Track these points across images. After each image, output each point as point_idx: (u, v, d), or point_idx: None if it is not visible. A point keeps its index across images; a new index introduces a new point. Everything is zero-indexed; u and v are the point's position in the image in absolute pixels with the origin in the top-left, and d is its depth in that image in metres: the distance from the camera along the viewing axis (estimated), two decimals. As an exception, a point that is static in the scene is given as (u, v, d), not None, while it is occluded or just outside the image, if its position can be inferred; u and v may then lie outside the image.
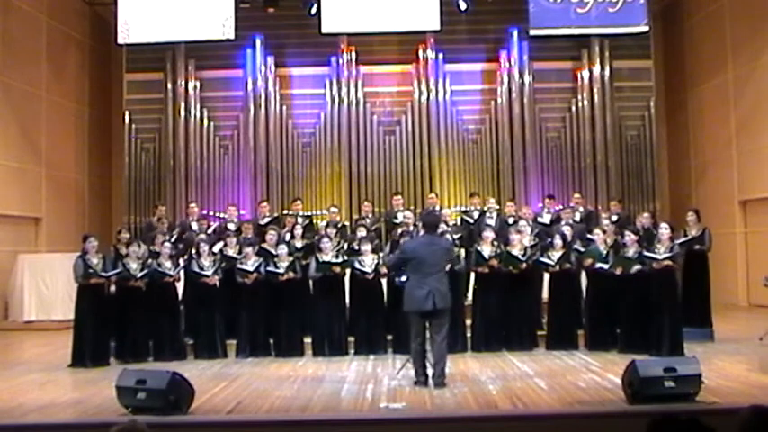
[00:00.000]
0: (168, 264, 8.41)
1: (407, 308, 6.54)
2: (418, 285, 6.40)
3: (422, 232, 7.07)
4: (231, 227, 9.92)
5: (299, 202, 10.82)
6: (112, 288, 8.26)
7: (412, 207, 11.46)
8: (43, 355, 8.81)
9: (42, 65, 12.92)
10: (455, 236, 8.93)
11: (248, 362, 8.04)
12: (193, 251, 8.81)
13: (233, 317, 8.49)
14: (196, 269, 8.40)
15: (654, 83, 13.36)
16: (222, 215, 11.88)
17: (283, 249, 8.51)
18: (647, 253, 7.87)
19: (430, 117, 12.90)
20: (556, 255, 8.44)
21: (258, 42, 12.95)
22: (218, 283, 8.39)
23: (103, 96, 14.51)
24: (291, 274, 8.33)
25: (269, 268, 8.36)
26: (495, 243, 8.53)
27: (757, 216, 12.35)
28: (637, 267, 7.86)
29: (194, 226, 9.99)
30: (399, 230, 9.03)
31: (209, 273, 8.35)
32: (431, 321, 6.48)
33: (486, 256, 8.34)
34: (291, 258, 8.50)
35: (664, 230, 7.89)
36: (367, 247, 8.45)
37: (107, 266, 8.13)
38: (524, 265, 8.35)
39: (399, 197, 10.74)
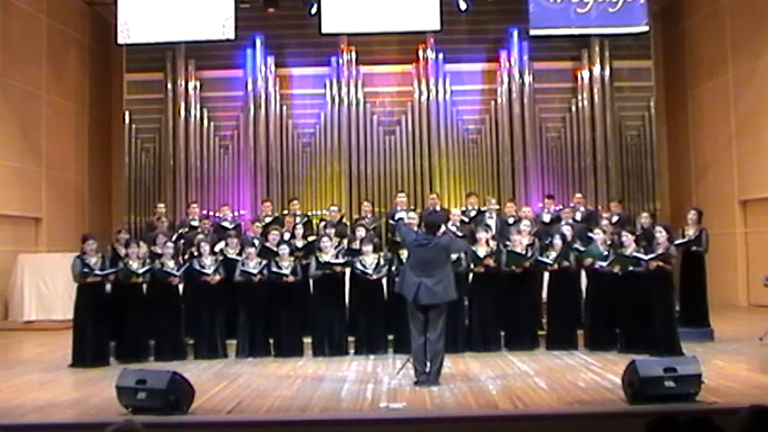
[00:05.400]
0: (171, 263, 8.40)
1: (397, 289, 6.83)
2: (414, 275, 6.53)
3: (423, 231, 7.07)
4: (227, 225, 9.93)
5: (296, 201, 10.81)
6: (108, 287, 8.22)
7: (412, 207, 11.45)
8: (43, 355, 8.81)
9: (42, 65, 12.92)
10: (459, 234, 8.91)
11: (248, 362, 8.04)
12: (194, 250, 8.81)
13: (233, 317, 8.49)
14: (197, 267, 8.40)
15: (654, 83, 13.36)
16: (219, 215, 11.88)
17: (285, 249, 8.51)
18: (635, 253, 7.88)
19: (430, 117, 12.90)
20: (553, 254, 8.45)
21: (258, 42, 12.95)
22: (220, 276, 8.38)
23: (103, 96, 14.51)
24: (292, 278, 8.34)
25: (273, 269, 8.35)
26: (492, 243, 8.53)
27: (757, 216, 12.35)
28: (633, 267, 7.87)
29: (195, 225, 10.00)
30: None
31: (209, 272, 8.35)
32: (427, 318, 6.51)
33: (482, 256, 8.35)
34: (293, 259, 8.51)
35: (659, 234, 7.89)
36: (368, 248, 8.45)
37: (105, 266, 8.12)
38: (528, 263, 8.36)
39: (403, 195, 10.59)
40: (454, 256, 7.51)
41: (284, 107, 13.14)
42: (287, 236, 9.26)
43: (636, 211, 11.68)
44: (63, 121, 13.46)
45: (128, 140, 13.05)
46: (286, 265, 8.38)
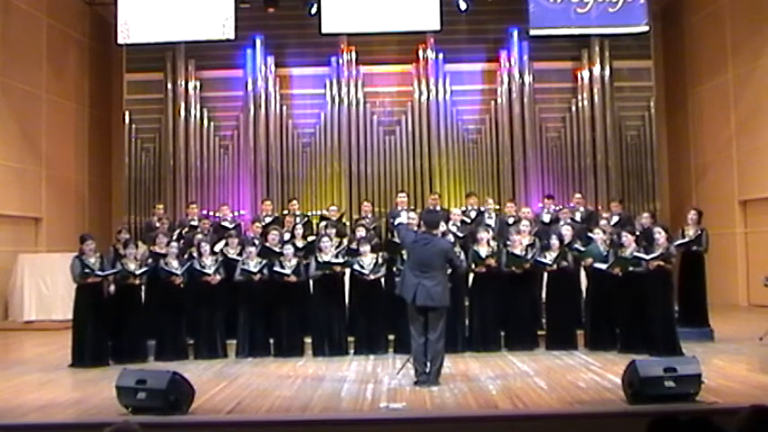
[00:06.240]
0: (175, 263, 8.39)
1: (398, 291, 6.82)
2: (413, 276, 6.54)
3: (422, 229, 7.07)
4: (227, 225, 9.93)
5: (294, 201, 10.80)
6: (111, 288, 8.22)
7: (413, 207, 11.44)
8: (43, 355, 8.81)
9: (42, 65, 12.92)
10: (459, 234, 8.92)
11: (248, 362, 8.04)
12: (194, 251, 8.81)
13: (233, 317, 8.49)
14: (198, 267, 8.39)
15: (654, 83, 13.35)
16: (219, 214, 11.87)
17: (289, 249, 8.51)
18: (636, 253, 7.89)
19: (430, 117, 12.90)
20: (552, 254, 8.45)
21: (258, 42, 12.95)
22: (220, 276, 8.38)
23: (103, 96, 14.51)
24: (294, 278, 8.33)
25: (275, 268, 8.35)
26: (492, 243, 8.53)
27: (757, 216, 12.35)
28: (633, 268, 7.88)
29: (195, 225, 10.00)
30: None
31: (210, 272, 8.35)
32: (427, 319, 6.52)
33: (483, 256, 8.35)
34: (297, 260, 8.50)
35: (658, 235, 7.90)
36: (366, 248, 8.45)
37: (105, 266, 8.11)
38: (528, 264, 8.36)
39: (404, 195, 10.53)
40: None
41: (284, 107, 13.14)
42: (287, 236, 9.26)
43: (636, 211, 11.69)
44: (63, 121, 13.46)
45: (128, 140, 13.05)
46: (290, 265, 8.38)
